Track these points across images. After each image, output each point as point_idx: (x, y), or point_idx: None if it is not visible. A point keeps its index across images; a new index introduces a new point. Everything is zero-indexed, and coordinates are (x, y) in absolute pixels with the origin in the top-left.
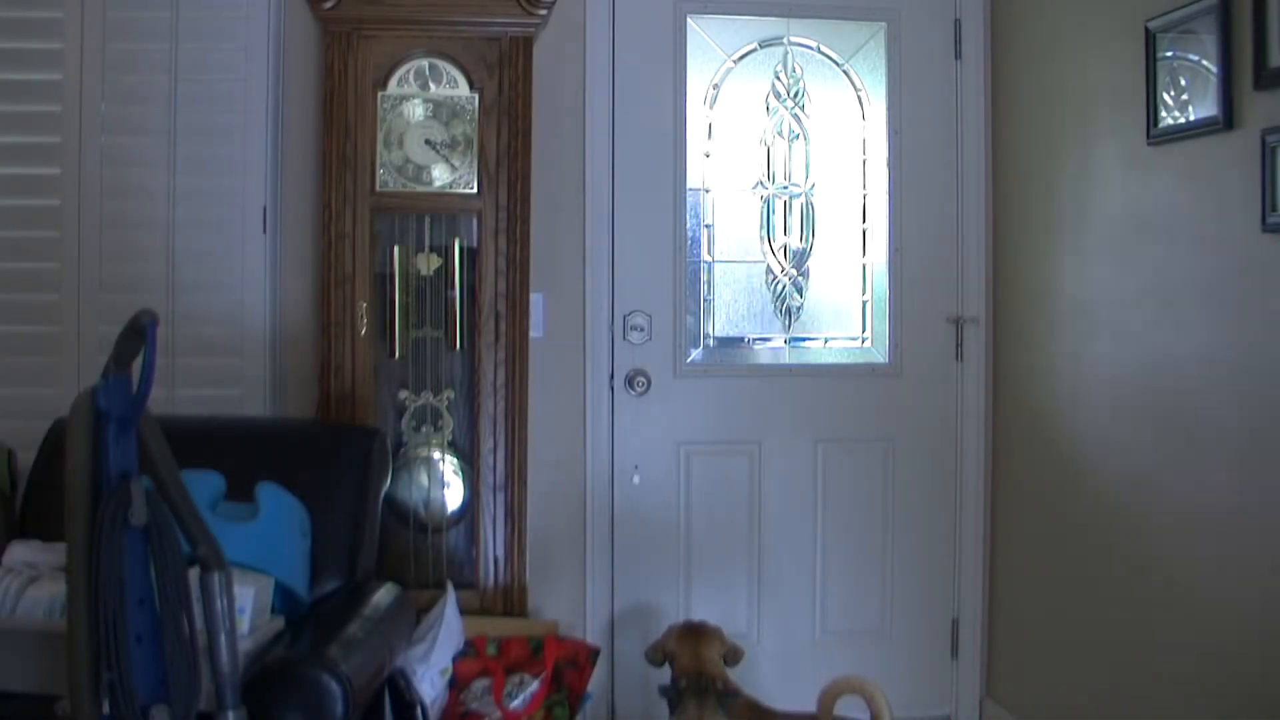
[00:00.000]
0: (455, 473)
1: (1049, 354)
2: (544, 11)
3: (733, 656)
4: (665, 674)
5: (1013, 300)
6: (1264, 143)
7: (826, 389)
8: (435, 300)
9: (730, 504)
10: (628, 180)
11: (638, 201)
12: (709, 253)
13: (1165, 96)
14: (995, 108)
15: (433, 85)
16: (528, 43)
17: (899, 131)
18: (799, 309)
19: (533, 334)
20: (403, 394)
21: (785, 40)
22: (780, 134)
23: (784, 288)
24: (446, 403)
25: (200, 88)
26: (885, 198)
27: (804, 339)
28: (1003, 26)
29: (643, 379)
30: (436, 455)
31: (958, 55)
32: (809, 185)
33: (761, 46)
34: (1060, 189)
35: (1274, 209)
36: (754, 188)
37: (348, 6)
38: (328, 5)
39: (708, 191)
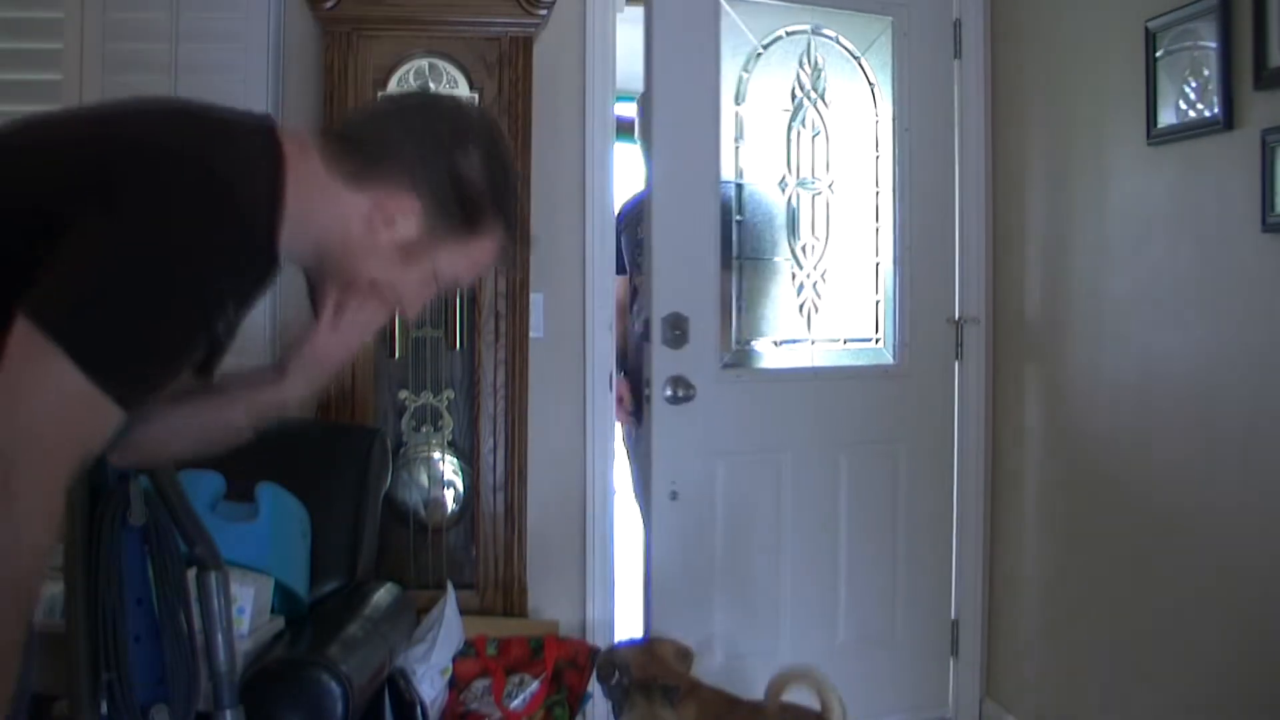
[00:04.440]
0: (455, 473)
1: (1049, 354)
2: (544, 11)
3: (682, 658)
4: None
5: (1013, 300)
6: (1264, 143)
7: (842, 391)
8: (435, 300)
9: (740, 506)
10: (664, 177)
11: (678, 201)
12: (740, 252)
13: (1165, 96)
14: (995, 108)
15: (433, 85)
16: (528, 43)
17: (909, 128)
18: (819, 309)
19: (532, 334)
20: (403, 394)
21: (810, 30)
22: (804, 126)
23: (806, 287)
24: (446, 403)
25: (200, 88)
26: (891, 196)
27: (823, 340)
28: (1003, 26)
29: (685, 386)
30: (436, 455)
31: (958, 55)
32: (828, 181)
33: (788, 35)
34: (1060, 189)
35: (1274, 209)
36: (779, 183)
37: (348, 6)
38: (328, 5)
39: (740, 186)
